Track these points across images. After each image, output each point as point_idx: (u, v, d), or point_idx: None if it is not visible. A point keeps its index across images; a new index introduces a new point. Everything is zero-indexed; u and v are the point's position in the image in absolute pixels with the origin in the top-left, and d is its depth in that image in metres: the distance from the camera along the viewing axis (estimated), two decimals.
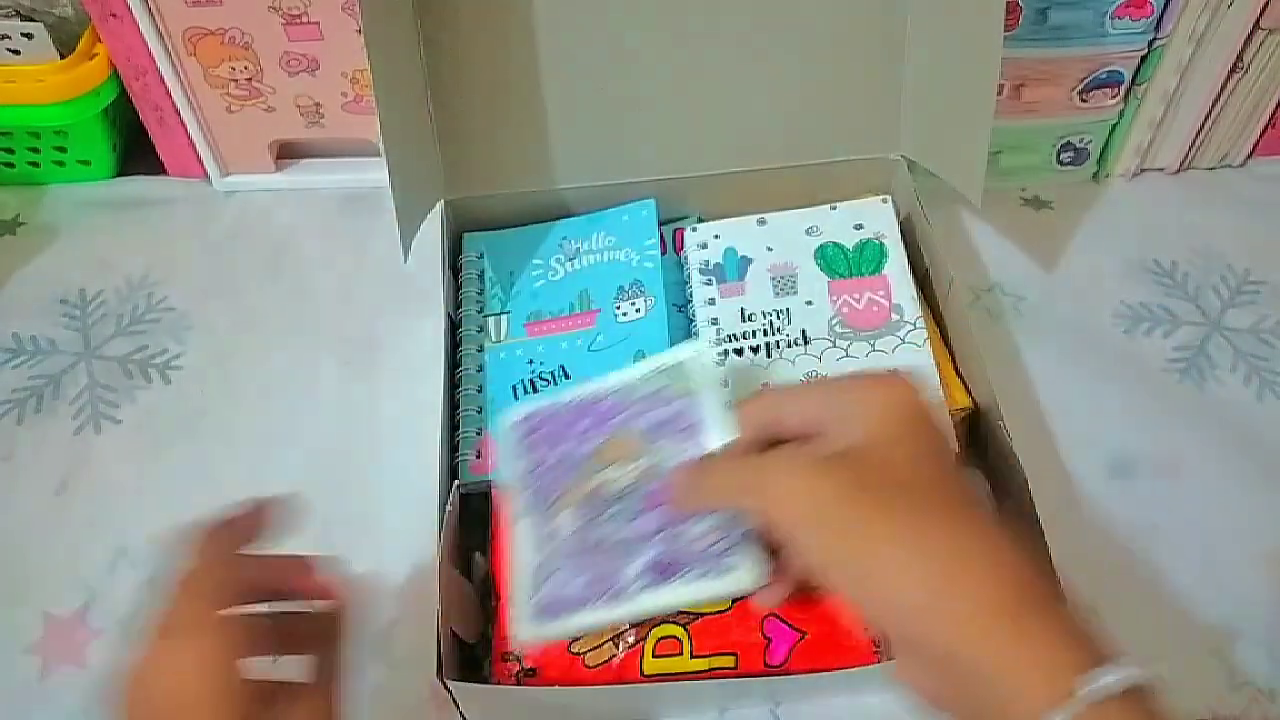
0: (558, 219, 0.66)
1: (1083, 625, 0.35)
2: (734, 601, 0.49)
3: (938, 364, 0.57)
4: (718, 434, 0.46)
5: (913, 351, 0.57)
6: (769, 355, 0.58)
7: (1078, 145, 0.74)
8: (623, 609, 0.44)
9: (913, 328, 0.58)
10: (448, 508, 0.51)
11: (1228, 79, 0.70)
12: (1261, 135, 0.75)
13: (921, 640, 0.35)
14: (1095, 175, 0.77)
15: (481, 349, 0.60)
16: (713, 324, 0.59)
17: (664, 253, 0.63)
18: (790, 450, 0.40)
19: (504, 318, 0.62)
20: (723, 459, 0.44)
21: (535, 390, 0.58)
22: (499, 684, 0.49)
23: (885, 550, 0.35)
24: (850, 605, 0.38)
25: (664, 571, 0.44)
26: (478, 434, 0.57)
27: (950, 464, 0.39)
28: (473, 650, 0.51)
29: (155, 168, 0.78)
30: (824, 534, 0.37)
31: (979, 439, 0.57)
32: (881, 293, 0.59)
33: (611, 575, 0.44)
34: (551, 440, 0.49)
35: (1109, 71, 0.68)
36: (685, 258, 0.63)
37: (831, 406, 0.40)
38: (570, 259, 0.63)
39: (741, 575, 0.42)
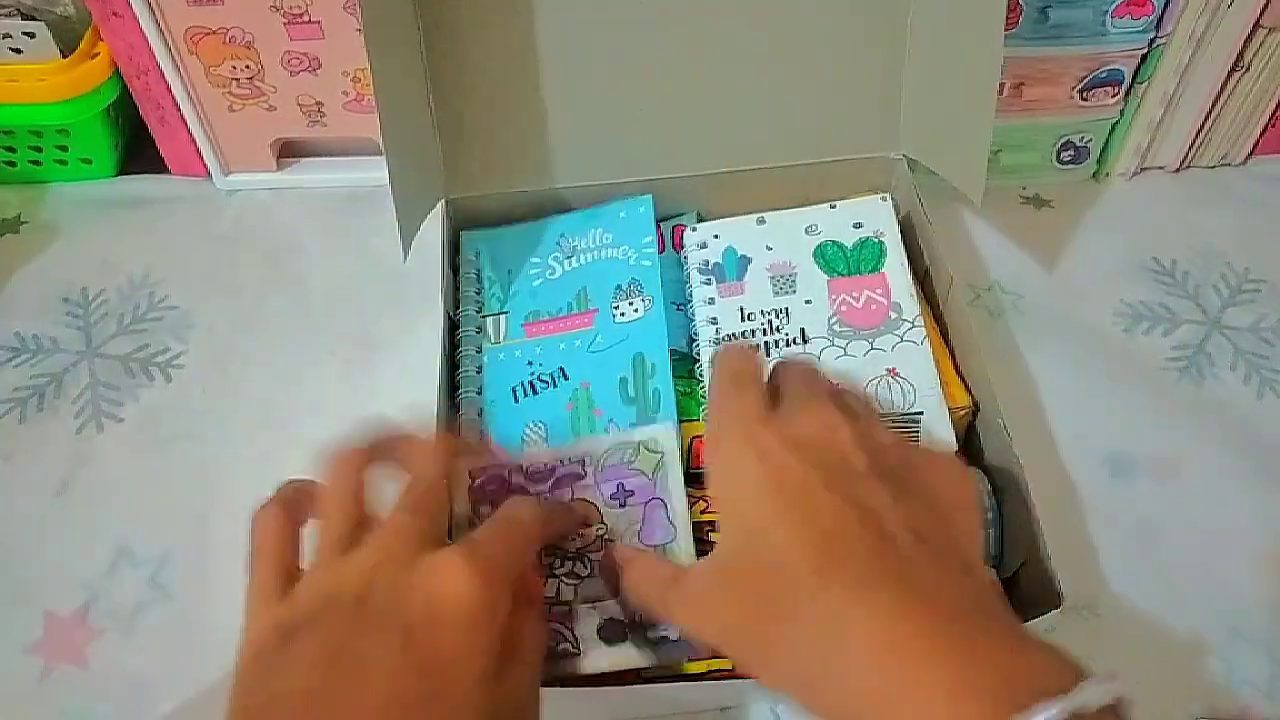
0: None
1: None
2: None
3: (937, 362, 0.57)
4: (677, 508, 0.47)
5: (912, 349, 0.57)
6: (768, 354, 0.58)
7: (1078, 144, 0.74)
8: (583, 663, 0.45)
9: (911, 326, 0.58)
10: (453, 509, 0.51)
11: (1228, 78, 0.70)
12: (1262, 134, 0.75)
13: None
14: (1095, 174, 0.77)
15: (480, 350, 0.60)
16: (712, 323, 0.59)
17: (662, 250, 0.63)
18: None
19: (502, 318, 0.62)
20: (640, 568, 0.43)
21: (535, 392, 0.58)
22: None
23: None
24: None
25: (612, 634, 0.45)
26: (478, 435, 0.57)
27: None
28: None
29: (157, 166, 0.78)
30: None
31: (978, 437, 0.57)
32: (880, 291, 0.59)
33: (561, 634, 0.46)
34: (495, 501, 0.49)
35: (1109, 70, 0.68)
36: (685, 258, 0.63)
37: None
38: (568, 257, 0.63)
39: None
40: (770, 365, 0.45)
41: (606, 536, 0.48)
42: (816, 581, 0.34)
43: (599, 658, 0.45)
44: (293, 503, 0.41)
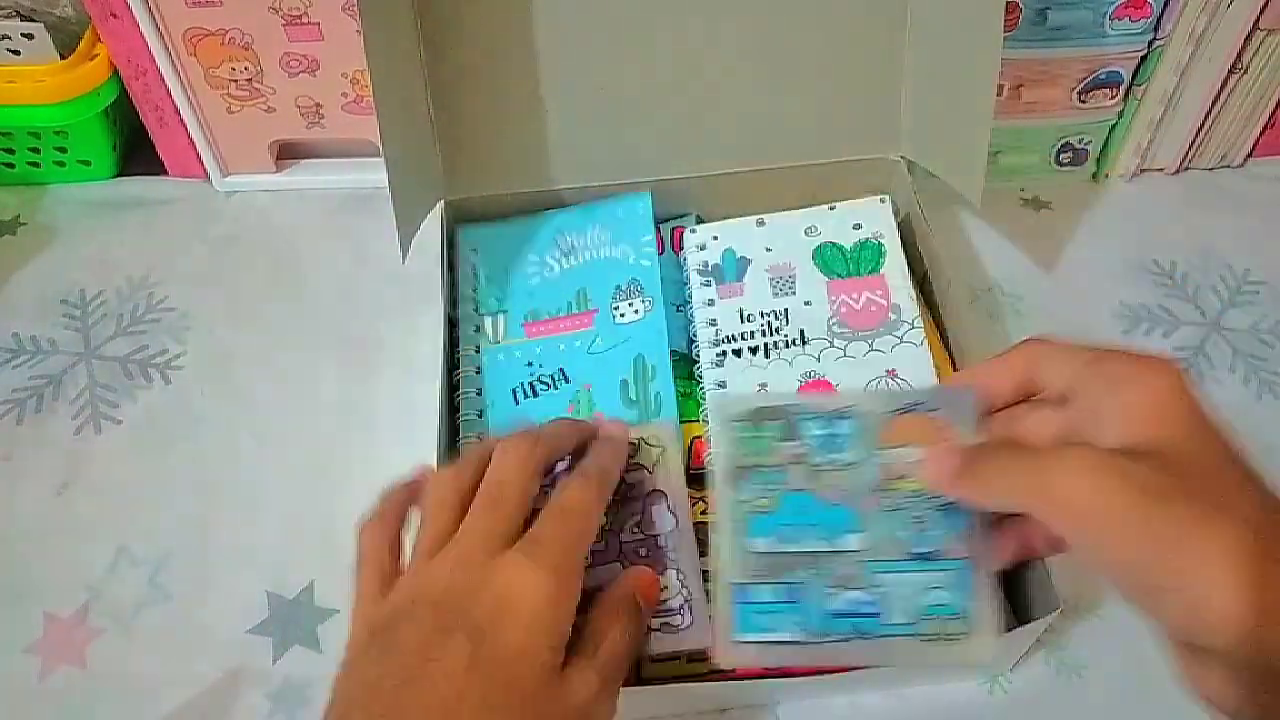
0: None
1: None
2: None
3: (936, 364, 0.57)
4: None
5: (911, 351, 0.57)
6: (767, 356, 0.58)
7: (1077, 145, 0.74)
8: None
9: (910, 327, 0.58)
10: None
11: (1227, 79, 0.70)
12: (1260, 136, 0.75)
13: (1245, 654, 0.33)
14: (1094, 175, 0.77)
15: (479, 349, 0.60)
16: (711, 325, 0.59)
17: (662, 252, 0.63)
18: (1076, 448, 0.37)
19: (501, 317, 0.61)
20: (995, 450, 0.40)
21: (535, 394, 0.58)
22: None
23: (1201, 557, 0.33)
24: (1148, 613, 0.36)
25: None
26: (478, 438, 0.57)
27: (1247, 467, 0.37)
28: None
29: (156, 168, 0.78)
30: (1125, 537, 0.34)
31: None
32: (880, 292, 0.59)
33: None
34: None
35: (1108, 72, 0.68)
36: (684, 259, 0.63)
37: (1100, 378, 0.38)
38: (566, 255, 0.63)
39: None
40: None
41: (607, 528, 0.47)
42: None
43: (655, 643, 0.45)
44: (392, 513, 0.44)
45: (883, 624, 0.42)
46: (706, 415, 0.56)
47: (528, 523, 0.41)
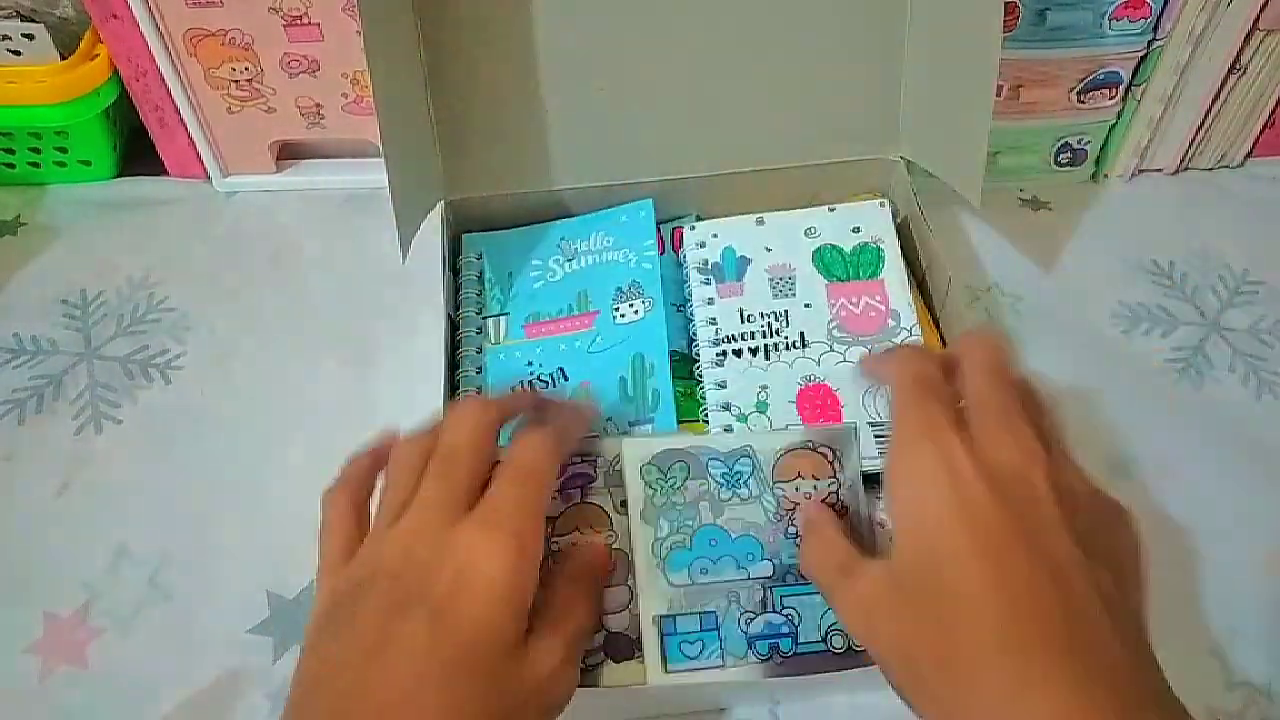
0: (557, 219, 0.66)
1: None
2: None
3: None
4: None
5: None
6: (767, 357, 0.58)
7: (1076, 146, 0.74)
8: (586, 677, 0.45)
9: (908, 334, 0.58)
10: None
11: (1226, 79, 0.70)
12: (1259, 136, 0.75)
13: None
14: (1093, 176, 0.77)
15: (480, 350, 0.60)
16: (711, 324, 0.59)
17: (662, 252, 0.63)
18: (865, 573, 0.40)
19: (503, 319, 0.62)
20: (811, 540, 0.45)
21: None
22: None
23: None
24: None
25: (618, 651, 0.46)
26: None
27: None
28: None
29: (156, 168, 0.78)
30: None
31: None
32: (879, 298, 0.59)
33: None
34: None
35: (1107, 72, 0.69)
36: (684, 256, 0.63)
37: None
38: (569, 259, 0.63)
39: None
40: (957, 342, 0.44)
41: (615, 546, 0.48)
42: (997, 642, 0.33)
43: (608, 674, 0.46)
44: (355, 480, 0.44)
45: (797, 643, 0.46)
46: (707, 415, 0.56)
47: (487, 484, 0.40)
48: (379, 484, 0.44)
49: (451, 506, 0.39)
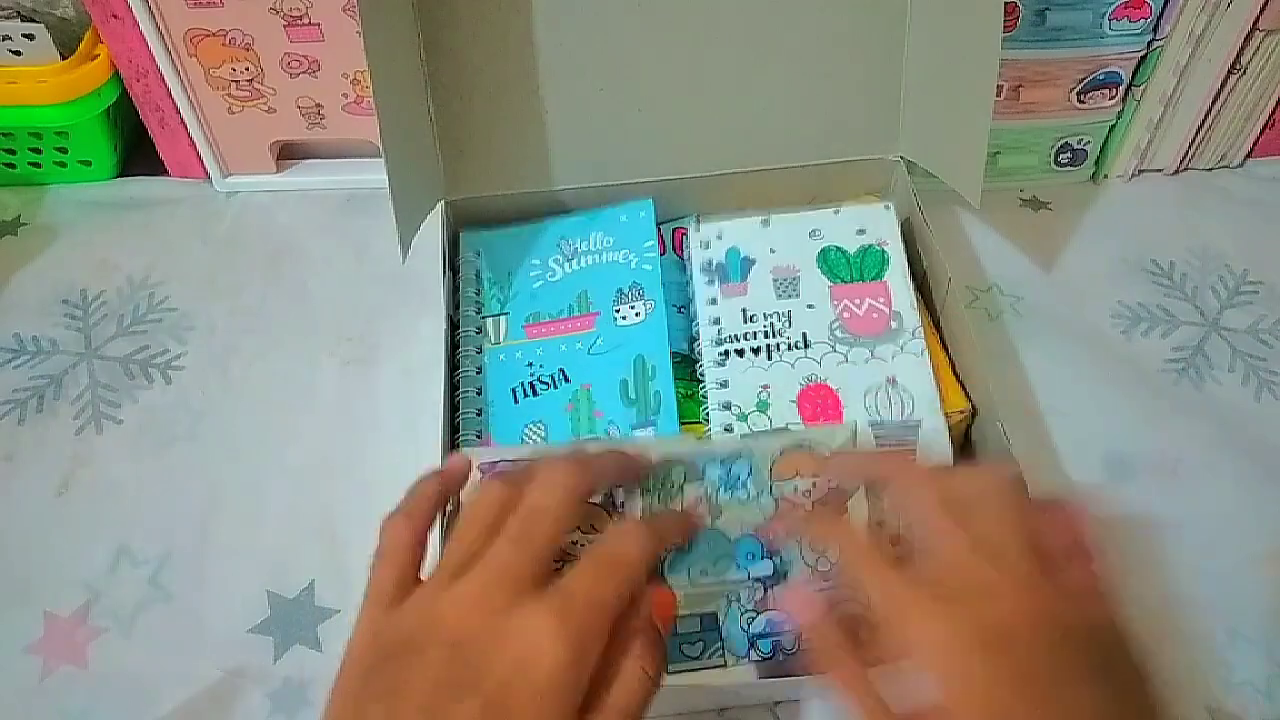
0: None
1: None
2: None
3: (936, 368, 0.57)
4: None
5: (911, 360, 0.57)
6: (769, 358, 0.58)
7: (1076, 146, 0.74)
8: None
9: (911, 337, 0.58)
10: (447, 508, 0.51)
11: (1226, 80, 0.70)
12: (1259, 136, 0.75)
13: None
14: (1093, 176, 0.77)
15: (480, 350, 0.60)
16: (715, 324, 0.59)
17: (663, 253, 0.63)
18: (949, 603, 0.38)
19: (502, 319, 0.62)
20: (868, 564, 0.41)
21: (535, 394, 0.58)
22: None
23: None
24: None
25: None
26: (477, 436, 0.57)
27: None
28: None
29: (156, 168, 0.78)
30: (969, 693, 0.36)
31: (976, 441, 0.57)
32: (882, 300, 0.59)
33: None
34: None
35: (1107, 72, 0.69)
36: (687, 255, 0.63)
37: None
38: (569, 259, 0.63)
39: None
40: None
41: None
42: None
43: None
44: (419, 512, 0.42)
45: (799, 643, 0.46)
46: (708, 414, 0.56)
47: (565, 553, 0.39)
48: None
49: (523, 578, 0.37)
